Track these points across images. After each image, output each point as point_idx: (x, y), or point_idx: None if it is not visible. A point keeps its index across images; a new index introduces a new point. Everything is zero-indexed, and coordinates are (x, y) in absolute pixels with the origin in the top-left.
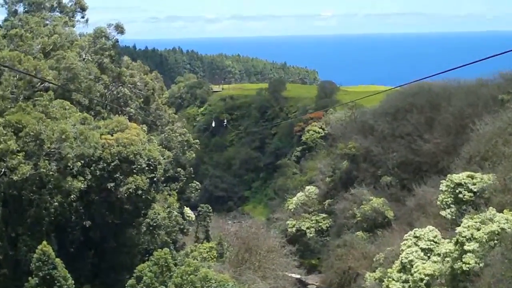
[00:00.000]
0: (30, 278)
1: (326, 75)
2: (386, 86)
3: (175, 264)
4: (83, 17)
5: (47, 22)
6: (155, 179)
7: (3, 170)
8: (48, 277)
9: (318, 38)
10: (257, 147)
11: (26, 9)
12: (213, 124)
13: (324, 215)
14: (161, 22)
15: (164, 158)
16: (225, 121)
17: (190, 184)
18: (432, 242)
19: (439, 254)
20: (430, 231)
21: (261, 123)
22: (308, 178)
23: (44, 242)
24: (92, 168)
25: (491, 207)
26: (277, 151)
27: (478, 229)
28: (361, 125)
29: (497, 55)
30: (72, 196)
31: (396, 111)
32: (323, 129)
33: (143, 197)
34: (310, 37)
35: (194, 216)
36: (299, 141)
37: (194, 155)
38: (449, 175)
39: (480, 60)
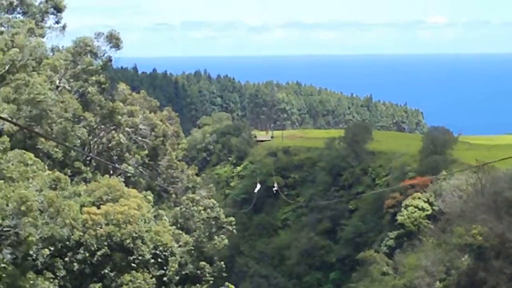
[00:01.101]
0: None
1: (436, 118)
2: None
3: None
4: (57, 22)
5: (3, 28)
6: (165, 278)
7: None
8: None
9: (423, 58)
10: (326, 231)
11: None
12: (257, 189)
13: None
14: (175, 30)
15: (179, 246)
16: (276, 187)
17: None
18: None
19: None
20: None
21: (332, 192)
22: (406, 282)
23: None
24: (67, 259)
25: None
26: (358, 238)
27: None
28: (492, 199)
29: None
30: None
31: None
32: (431, 205)
33: None
34: (411, 57)
35: None
36: (393, 223)
37: (226, 241)
38: None
39: None
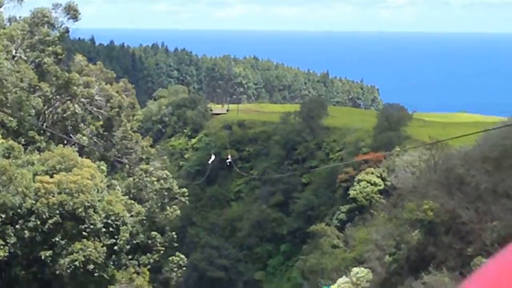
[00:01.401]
0: None
1: (392, 96)
2: (488, 115)
3: None
4: None
5: None
6: (116, 247)
7: None
8: None
9: (382, 36)
10: (278, 204)
11: None
12: (211, 160)
13: None
14: (133, 3)
15: (131, 216)
16: (229, 159)
17: (170, 258)
18: None
19: None
20: None
21: (286, 166)
22: (356, 256)
23: None
24: (17, 226)
25: None
26: (310, 211)
27: None
28: (445, 175)
29: None
30: None
31: (501, 155)
32: (384, 180)
33: (96, 274)
34: (371, 35)
35: None
36: (345, 197)
37: (178, 212)
38: None
39: None
